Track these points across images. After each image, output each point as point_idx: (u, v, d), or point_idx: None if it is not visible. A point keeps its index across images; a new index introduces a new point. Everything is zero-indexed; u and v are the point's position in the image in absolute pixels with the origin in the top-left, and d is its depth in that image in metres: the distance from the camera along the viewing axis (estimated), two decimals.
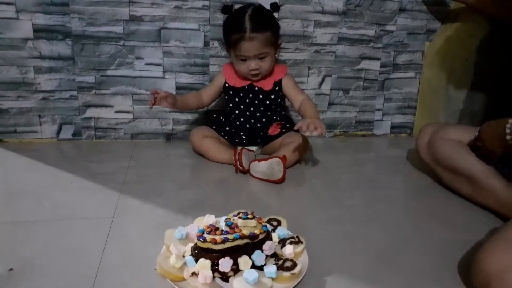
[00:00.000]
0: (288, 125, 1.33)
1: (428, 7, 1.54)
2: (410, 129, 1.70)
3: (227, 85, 1.31)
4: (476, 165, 1.06)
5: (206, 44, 1.42)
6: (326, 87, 1.56)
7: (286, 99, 1.35)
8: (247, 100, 1.31)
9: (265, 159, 1.18)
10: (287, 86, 1.31)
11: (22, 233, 0.86)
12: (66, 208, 0.97)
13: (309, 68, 1.52)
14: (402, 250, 0.87)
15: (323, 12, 1.46)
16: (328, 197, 1.11)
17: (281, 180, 1.15)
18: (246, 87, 1.30)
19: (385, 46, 1.56)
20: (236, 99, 1.32)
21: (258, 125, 1.32)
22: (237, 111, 1.33)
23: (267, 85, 1.30)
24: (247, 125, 1.33)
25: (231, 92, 1.32)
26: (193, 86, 1.45)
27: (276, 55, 1.29)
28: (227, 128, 1.34)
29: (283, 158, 1.15)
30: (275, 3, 1.29)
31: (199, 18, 1.38)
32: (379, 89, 1.61)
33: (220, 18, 1.39)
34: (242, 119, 1.33)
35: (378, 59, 1.57)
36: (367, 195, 1.14)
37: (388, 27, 1.53)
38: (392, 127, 1.68)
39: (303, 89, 1.48)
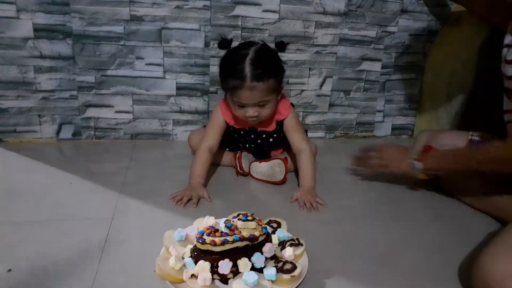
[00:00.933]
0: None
1: (429, 9, 1.53)
2: (411, 130, 1.70)
3: (227, 125, 1.19)
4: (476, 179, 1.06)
5: (206, 44, 1.41)
6: (327, 88, 1.55)
7: None
8: (248, 139, 1.22)
9: (266, 160, 1.18)
10: (288, 127, 1.17)
11: (21, 234, 0.86)
12: (66, 208, 0.97)
13: (310, 69, 1.51)
14: (402, 252, 0.87)
15: (324, 13, 1.45)
16: (328, 198, 1.11)
17: (282, 182, 1.15)
18: (247, 129, 1.20)
19: (386, 47, 1.55)
20: (236, 135, 1.23)
21: (260, 152, 1.26)
22: (240, 145, 1.26)
23: (270, 126, 1.18)
24: (249, 152, 1.27)
25: (231, 129, 1.20)
26: (193, 86, 1.45)
27: (278, 98, 1.14)
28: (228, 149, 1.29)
29: (285, 160, 1.15)
30: (282, 42, 1.12)
31: (199, 18, 1.38)
32: (380, 91, 1.61)
33: (221, 18, 1.39)
34: (244, 149, 1.27)
35: (379, 60, 1.56)
36: (367, 197, 1.14)
37: (389, 28, 1.53)
38: (393, 129, 1.68)
39: (303, 90, 1.48)
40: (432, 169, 1.05)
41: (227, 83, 1.07)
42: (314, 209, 1.03)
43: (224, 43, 1.11)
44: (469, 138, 1.11)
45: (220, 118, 1.17)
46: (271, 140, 1.21)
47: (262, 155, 1.25)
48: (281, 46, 1.11)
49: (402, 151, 1.13)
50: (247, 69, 1.02)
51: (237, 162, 1.19)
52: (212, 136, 1.17)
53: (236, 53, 1.08)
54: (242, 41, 1.23)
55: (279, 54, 1.11)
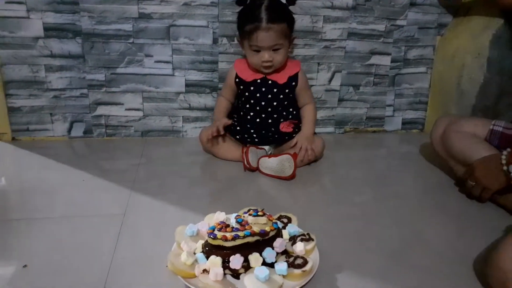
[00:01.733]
0: (300, 125, 1.31)
1: (439, 1, 1.51)
2: (422, 125, 1.68)
3: (237, 80, 1.28)
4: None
5: (215, 41, 1.41)
6: (336, 83, 1.55)
7: None
8: (258, 94, 1.27)
9: (275, 155, 1.18)
10: (300, 82, 1.28)
11: (36, 230, 0.87)
12: (78, 205, 0.98)
13: (318, 64, 1.51)
14: (414, 247, 0.86)
15: (332, 7, 1.44)
16: (338, 194, 1.11)
17: (291, 177, 1.15)
18: (259, 81, 1.27)
19: (395, 41, 1.54)
20: (247, 93, 1.28)
21: (269, 120, 1.29)
22: (247, 106, 1.30)
23: (281, 78, 1.27)
24: (258, 120, 1.29)
25: (241, 87, 1.28)
26: (202, 83, 1.45)
27: (290, 50, 1.27)
28: (238, 128, 1.31)
29: (294, 155, 1.15)
30: None
31: (207, 15, 1.38)
32: (390, 85, 1.60)
33: (229, 15, 1.39)
34: (252, 114, 1.30)
35: (389, 54, 1.55)
36: (378, 192, 1.13)
37: (398, 22, 1.52)
38: (403, 123, 1.67)
39: (312, 85, 1.47)
40: None
41: (244, 28, 1.19)
42: (308, 155, 1.21)
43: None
44: (491, 128, 1.08)
45: (232, 72, 1.30)
46: (281, 96, 1.28)
47: (271, 131, 1.29)
48: (290, 0, 1.25)
49: (491, 161, 1.01)
50: (263, 13, 1.16)
51: (245, 157, 1.19)
52: (227, 91, 1.33)
53: (252, 3, 1.21)
54: None
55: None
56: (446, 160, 1.17)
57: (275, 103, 1.28)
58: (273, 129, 1.29)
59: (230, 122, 1.25)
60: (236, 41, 1.30)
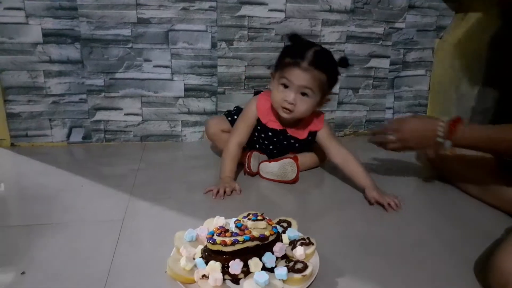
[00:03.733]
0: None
1: (437, 3, 1.52)
2: None
3: (257, 122, 1.18)
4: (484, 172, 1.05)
5: (213, 45, 1.41)
6: (335, 86, 1.54)
7: None
8: (275, 140, 1.20)
9: (276, 160, 1.17)
10: (323, 138, 1.19)
11: (34, 236, 0.87)
12: (77, 211, 0.98)
13: None
14: (415, 250, 0.86)
15: (330, 10, 1.45)
16: (338, 197, 1.10)
17: (295, 181, 1.14)
18: (278, 130, 1.18)
19: (394, 44, 1.54)
20: (263, 135, 1.20)
21: (281, 154, 1.23)
22: (261, 141, 1.22)
23: (301, 134, 1.19)
24: (269, 153, 1.24)
25: (258, 127, 1.19)
26: (201, 88, 1.45)
27: (317, 108, 1.16)
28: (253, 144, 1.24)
29: (295, 158, 1.14)
30: (346, 59, 1.12)
31: (206, 19, 1.38)
32: (389, 88, 1.60)
33: (227, 19, 1.39)
34: (264, 148, 1.23)
35: (388, 57, 1.55)
36: None
37: (397, 25, 1.52)
38: None
39: None
40: (463, 145, 0.95)
41: (283, 60, 1.08)
42: (398, 208, 1.03)
43: (294, 36, 1.13)
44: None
45: (253, 113, 1.17)
46: (297, 145, 1.21)
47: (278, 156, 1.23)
48: (344, 62, 1.12)
49: (427, 123, 0.98)
50: (309, 54, 1.05)
51: (247, 161, 1.19)
52: (243, 132, 1.17)
53: (305, 42, 1.12)
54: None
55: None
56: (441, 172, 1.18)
57: (290, 151, 1.23)
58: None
59: (239, 193, 1.09)
60: (271, 74, 1.15)
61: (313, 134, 1.19)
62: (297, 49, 1.09)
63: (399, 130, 1.01)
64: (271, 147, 1.23)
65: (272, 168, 1.17)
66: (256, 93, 1.23)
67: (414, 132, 0.99)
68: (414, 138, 0.99)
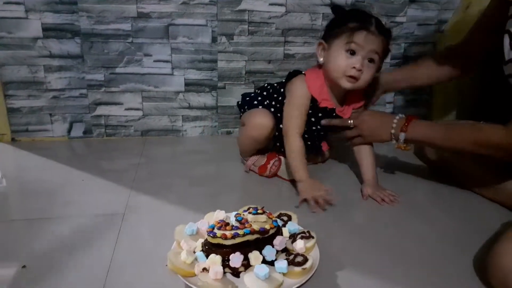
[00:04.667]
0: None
1: None
2: None
3: (311, 104, 1.09)
4: (482, 167, 1.05)
5: (214, 39, 1.41)
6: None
7: None
8: (321, 121, 1.13)
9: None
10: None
11: (35, 231, 0.87)
12: (78, 205, 0.98)
13: (318, 61, 1.50)
14: (415, 245, 0.86)
15: (331, 4, 1.44)
16: (338, 191, 1.10)
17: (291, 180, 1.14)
18: (328, 109, 1.11)
19: (395, 38, 1.53)
20: (313, 119, 1.12)
21: (316, 139, 1.17)
22: (306, 130, 1.13)
23: (346, 113, 1.13)
24: (308, 139, 1.15)
25: (310, 111, 1.10)
26: (201, 82, 1.45)
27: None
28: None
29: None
30: (390, 30, 1.06)
31: (206, 14, 1.38)
32: None
33: (227, 13, 1.38)
34: (305, 134, 1.12)
35: (388, 51, 1.54)
36: None
37: (398, 19, 1.51)
38: None
39: None
40: (415, 141, 1.03)
41: (346, 26, 1.00)
42: (392, 203, 1.04)
43: (338, 7, 1.09)
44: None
45: (305, 93, 1.08)
46: (339, 128, 1.14)
47: (314, 149, 1.19)
48: (390, 33, 1.06)
49: (383, 118, 1.06)
50: (373, 19, 1.00)
51: (273, 167, 1.14)
52: (301, 119, 1.08)
53: (354, 10, 1.10)
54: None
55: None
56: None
57: (330, 132, 1.18)
58: (317, 148, 1.21)
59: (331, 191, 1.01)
60: (319, 45, 1.07)
61: (355, 111, 1.14)
62: (358, 15, 1.03)
63: (358, 120, 1.08)
64: (313, 127, 1.13)
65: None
66: (291, 75, 1.12)
67: (371, 124, 1.07)
68: (370, 130, 1.07)
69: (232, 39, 1.42)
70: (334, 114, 1.12)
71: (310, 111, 1.10)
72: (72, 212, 0.95)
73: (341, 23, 1.02)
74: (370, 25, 0.99)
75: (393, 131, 1.02)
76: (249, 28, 1.42)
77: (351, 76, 1.01)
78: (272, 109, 1.14)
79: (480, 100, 1.44)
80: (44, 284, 0.71)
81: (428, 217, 0.98)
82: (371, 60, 1.01)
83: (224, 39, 1.42)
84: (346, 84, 1.03)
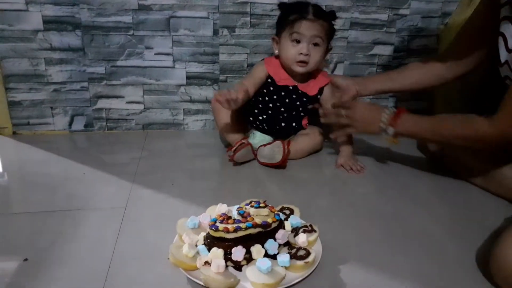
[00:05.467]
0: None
1: None
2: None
3: (269, 80, 1.22)
4: (485, 159, 1.05)
5: (215, 32, 1.40)
6: (338, 73, 1.53)
7: None
8: (287, 100, 1.23)
9: (269, 143, 1.17)
10: (327, 93, 1.25)
11: (36, 224, 0.87)
12: (79, 198, 0.98)
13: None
14: (418, 239, 0.86)
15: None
16: (341, 185, 1.10)
17: (281, 163, 1.14)
18: (290, 87, 1.22)
19: (398, 31, 1.52)
20: (275, 97, 1.23)
21: (293, 123, 1.26)
22: (271, 105, 1.24)
23: (312, 90, 1.23)
24: (278, 120, 1.25)
25: (271, 88, 1.22)
26: (203, 75, 1.44)
27: (325, 58, 1.24)
28: (255, 111, 1.26)
29: (286, 142, 1.15)
30: (334, 11, 1.19)
31: (208, 6, 1.36)
32: None
33: (229, 5, 1.37)
34: (274, 115, 1.25)
35: (392, 44, 1.53)
36: (380, 183, 1.12)
37: (401, 11, 1.50)
38: None
39: None
40: (404, 134, 1.03)
41: (287, 19, 1.15)
42: (359, 172, 1.17)
43: (283, 3, 1.23)
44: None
45: (263, 71, 1.22)
46: (307, 103, 1.24)
47: (288, 130, 1.27)
48: (333, 15, 1.19)
49: (374, 111, 1.08)
50: (310, 8, 1.14)
51: (236, 148, 1.16)
52: (252, 83, 1.20)
53: (295, 1, 1.19)
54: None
55: None
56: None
57: (301, 110, 1.26)
58: (291, 130, 1.28)
59: (235, 96, 1.08)
60: (273, 39, 1.22)
61: (321, 90, 1.24)
62: (296, 7, 1.16)
63: (351, 111, 1.10)
64: (282, 109, 1.24)
65: (265, 151, 1.16)
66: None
67: (362, 116, 1.08)
68: (361, 121, 1.09)
69: (234, 31, 1.41)
70: (299, 91, 1.22)
71: (271, 89, 1.22)
72: (74, 205, 0.95)
73: (283, 18, 1.17)
74: (307, 13, 1.13)
75: (382, 124, 1.03)
76: (251, 20, 1.40)
77: (301, 61, 1.16)
78: None
79: (483, 91, 1.43)
80: (45, 277, 0.71)
81: (431, 211, 0.98)
82: (316, 44, 1.15)
83: (225, 31, 1.40)
84: (298, 69, 1.17)
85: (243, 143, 1.17)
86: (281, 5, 1.22)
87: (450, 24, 1.52)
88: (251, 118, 1.28)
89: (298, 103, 1.24)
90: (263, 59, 1.25)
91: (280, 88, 1.22)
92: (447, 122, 0.99)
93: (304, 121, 1.27)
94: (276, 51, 1.21)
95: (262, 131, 1.28)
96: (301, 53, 1.14)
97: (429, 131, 0.99)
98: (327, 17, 1.16)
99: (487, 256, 0.73)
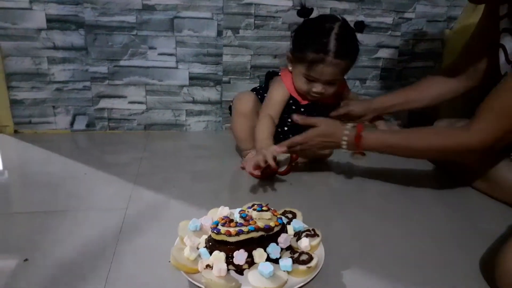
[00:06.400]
0: None
1: None
2: (429, 119, 1.66)
3: (291, 101, 1.14)
4: (488, 165, 1.04)
5: (219, 33, 1.39)
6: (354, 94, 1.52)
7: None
8: (306, 114, 1.13)
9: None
10: (347, 95, 1.22)
11: (37, 224, 0.86)
12: (80, 198, 0.97)
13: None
14: (421, 244, 0.85)
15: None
16: (343, 189, 1.09)
17: (283, 173, 1.13)
18: (310, 104, 1.15)
19: (403, 34, 1.51)
20: (293, 108, 1.16)
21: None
22: (289, 121, 1.15)
23: (329, 98, 1.15)
24: (296, 133, 1.12)
25: (293, 107, 1.15)
26: (206, 76, 1.44)
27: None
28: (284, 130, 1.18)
29: (295, 156, 1.13)
30: (362, 22, 1.10)
31: (212, 7, 1.36)
32: (397, 79, 1.57)
33: (234, 6, 1.37)
34: (292, 129, 1.15)
35: (396, 47, 1.53)
36: (383, 188, 1.11)
37: (406, 15, 1.49)
38: (409, 118, 1.64)
39: None
40: (367, 150, 1.01)
41: (305, 55, 1.03)
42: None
43: (304, 11, 1.08)
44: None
45: (284, 94, 1.13)
46: (327, 111, 1.17)
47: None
48: (361, 26, 1.09)
49: (330, 137, 1.02)
50: (332, 44, 1.00)
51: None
52: (275, 110, 1.12)
53: (319, 24, 1.04)
54: (321, 14, 1.18)
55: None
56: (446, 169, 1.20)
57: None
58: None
59: (282, 150, 1.02)
60: (288, 57, 1.12)
61: (338, 96, 1.18)
62: (318, 38, 1.02)
63: (307, 144, 1.03)
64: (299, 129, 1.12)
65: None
66: (270, 74, 1.20)
67: (320, 142, 1.03)
68: (320, 146, 1.05)
69: (238, 33, 1.40)
70: (319, 104, 1.14)
71: (294, 108, 1.14)
72: (74, 205, 0.94)
73: (301, 48, 1.04)
74: (328, 56, 1.00)
75: (344, 147, 1.00)
76: (255, 22, 1.40)
77: (314, 97, 1.09)
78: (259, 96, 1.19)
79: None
80: (46, 277, 0.70)
81: (434, 217, 0.97)
82: (332, 83, 1.07)
83: (229, 32, 1.40)
84: (312, 99, 1.11)
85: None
86: (306, 24, 1.08)
87: (456, 28, 1.51)
88: (280, 132, 1.19)
89: (315, 113, 1.14)
90: (279, 74, 1.16)
91: (301, 106, 1.15)
92: (420, 134, 0.97)
93: None
94: (290, 68, 1.12)
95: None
96: (313, 91, 1.08)
97: (391, 147, 0.98)
98: (352, 50, 1.06)
99: (491, 263, 0.72)
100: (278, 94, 1.13)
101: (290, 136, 1.14)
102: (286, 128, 1.17)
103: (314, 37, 1.02)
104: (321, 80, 1.05)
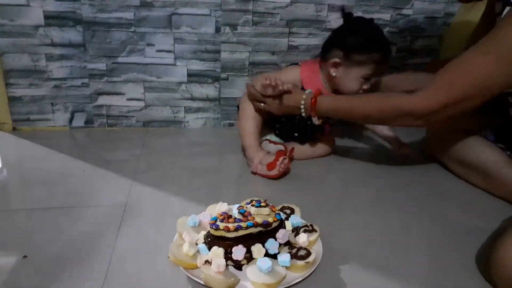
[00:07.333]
0: None
1: None
2: None
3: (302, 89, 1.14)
4: (486, 155, 1.05)
5: (217, 29, 1.39)
6: None
7: None
8: None
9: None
10: None
11: (36, 221, 0.86)
12: (79, 195, 0.97)
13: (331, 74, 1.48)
14: (418, 240, 0.85)
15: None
16: (341, 185, 1.10)
17: (275, 177, 1.10)
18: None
19: (401, 31, 1.51)
20: None
21: (317, 127, 1.19)
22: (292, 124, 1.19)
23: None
24: (306, 127, 1.19)
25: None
26: (204, 73, 1.44)
27: None
28: (282, 119, 1.20)
29: (279, 153, 1.11)
30: (350, 13, 1.15)
31: (210, 3, 1.36)
32: None
33: (232, 3, 1.36)
34: (303, 121, 1.15)
35: (394, 44, 1.53)
36: (381, 184, 1.12)
37: (404, 11, 1.49)
38: None
39: None
40: (324, 115, 1.05)
41: (370, 56, 1.06)
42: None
43: (348, 14, 1.13)
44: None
45: (297, 78, 1.15)
46: None
47: (313, 135, 1.24)
48: (348, 17, 1.14)
49: (290, 99, 1.07)
50: (385, 42, 1.09)
51: (282, 165, 1.07)
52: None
53: (368, 26, 1.10)
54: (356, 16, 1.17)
55: None
56: (443, 163, 1.20)
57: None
58: (315, 134, 1.25)
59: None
60: (335, 64, 1.11)
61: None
62: (376, 40, 1.08)
63: (276, 98, 1.08)
64: (308, 121, 1.14)
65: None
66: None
67: (282, 103, 1.08)
68: (282, 108, 1.09)
69: (236, 29, 1.40)
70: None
71: None
72: (73, 202, 0.94)
73: (362, 50, 1.06)
74: (388, 52, 1.09)
75: (302, 110, 1.05)
76: (253, 18, 1.40)
77: (360, 91, 1.11)
78: None
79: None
80: (45, 274, 0.70)
81: (431, 211, 0.98)
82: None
83: (227, 29, 1.40)
84: (351, 93, 1.12)
85: (289, 158, 1.10)
86: (354, 29, 1.10)
87: (453, 24, 1.52)
88: (277, 125, 1.22)
89: None
90: (299, 63, 1.19)
91: None
92: (366, 97, 1.01)
93: (327, 126, 1.25)
94: (334, 74, 1.12)
95: (283, 137, 1.23)
96: (364, 89, 1.11)
97: (347, 108, 1.01)
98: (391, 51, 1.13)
99: (487, 258, 0.73)
100: (288, 75, 1.15)
101: (286, 127, 1.20)
102: (283, 119, 1.20)
103: (373, 39, 1.08)
104: (377, 76, 1.11)
